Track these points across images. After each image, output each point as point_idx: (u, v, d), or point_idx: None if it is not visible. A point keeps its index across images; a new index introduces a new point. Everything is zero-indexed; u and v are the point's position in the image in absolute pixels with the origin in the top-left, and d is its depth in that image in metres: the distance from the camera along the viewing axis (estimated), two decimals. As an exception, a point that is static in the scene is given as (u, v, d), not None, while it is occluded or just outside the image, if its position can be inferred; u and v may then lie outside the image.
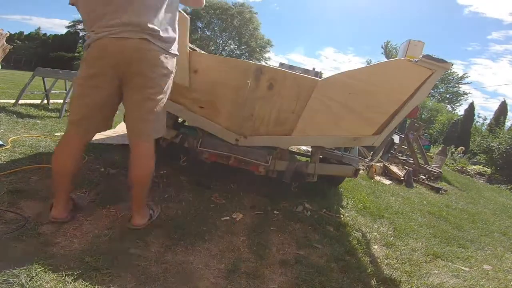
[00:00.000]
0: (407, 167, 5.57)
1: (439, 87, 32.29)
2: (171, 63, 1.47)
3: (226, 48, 34.31)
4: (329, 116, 1.97)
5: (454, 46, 64.29)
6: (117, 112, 1.52)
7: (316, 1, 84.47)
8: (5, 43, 3.91)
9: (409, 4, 78.63)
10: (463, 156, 12.63)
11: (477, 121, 20.09)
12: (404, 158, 6.40)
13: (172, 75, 1.51)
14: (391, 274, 1.66)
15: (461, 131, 17.65)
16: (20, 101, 4.00)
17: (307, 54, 78.38)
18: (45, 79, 4.52)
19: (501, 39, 57.90)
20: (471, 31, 68.24)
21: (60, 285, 1.06)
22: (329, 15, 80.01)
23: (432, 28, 67.11)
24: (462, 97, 32.36)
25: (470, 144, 14.28)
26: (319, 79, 1.98)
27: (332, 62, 74.46)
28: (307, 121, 1.98)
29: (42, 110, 4.01)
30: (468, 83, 32.66)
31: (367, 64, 29.74)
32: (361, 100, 1.93)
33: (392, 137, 5.77)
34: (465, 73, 37.05)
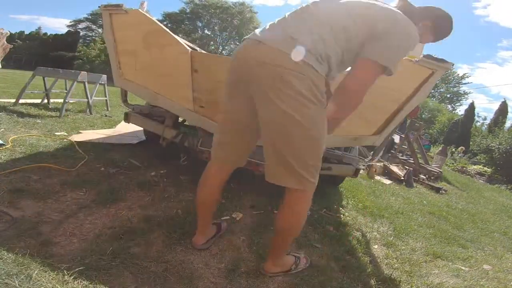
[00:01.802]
0: (407, 167, 5.56)
1: (440, 87, 32.32)
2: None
3: (226, 47, 34.32)
4: (329, 116, 1.97)
5: (463, 52, 64.77)
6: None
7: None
8: (5, 42, 3.91)
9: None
10: (463, 156, 12.64)
11: (477, 121, 20.15)
12: (404, 158, 6.40)
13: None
14: (391, 274, 1.66)
15: (461, 131, 17.66)
16: (21, 101, 4.00)
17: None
18: (45, 78, 4.52)
19: (509, 46, 58.24)
20: (483, 38, 68.75)
21: (60, 285, 1.06)
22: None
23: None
24: (462, 97, 32.44)
25: (470, 144, 14.30)
26: None
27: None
28: (307, 121, 1.98)
29: (43, 110, 4.01)
30: (467, 83, 32.76)
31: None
32: (361, 100, 1.93)
33: (393, 137, 5.77)
34: (465, 73, 37.06)
